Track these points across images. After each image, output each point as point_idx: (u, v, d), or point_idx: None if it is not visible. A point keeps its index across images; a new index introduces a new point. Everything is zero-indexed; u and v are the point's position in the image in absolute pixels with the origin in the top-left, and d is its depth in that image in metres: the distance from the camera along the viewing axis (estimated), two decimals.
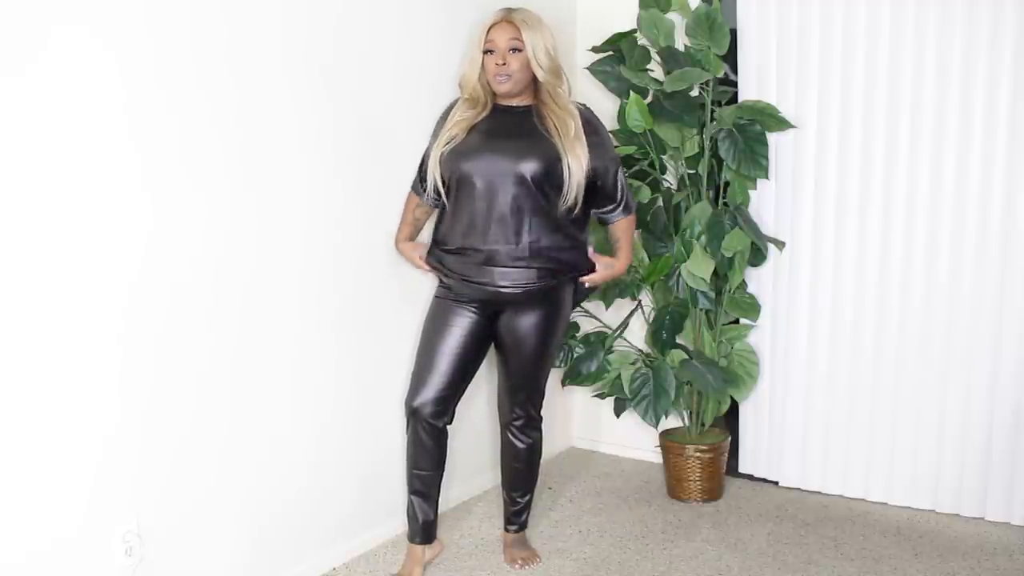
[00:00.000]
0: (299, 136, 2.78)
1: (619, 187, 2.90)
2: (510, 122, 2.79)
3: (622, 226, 2.97)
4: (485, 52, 2.75)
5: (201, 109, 2.48)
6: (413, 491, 2.89)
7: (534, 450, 3.04)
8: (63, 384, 2.24)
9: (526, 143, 2.74)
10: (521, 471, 3.05)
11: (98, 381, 2.31)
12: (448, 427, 2.88)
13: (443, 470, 2.91)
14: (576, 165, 2.73)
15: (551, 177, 2.72)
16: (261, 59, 2.64)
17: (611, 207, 2.92)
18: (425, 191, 2.89)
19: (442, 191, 2.81)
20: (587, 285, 2.94)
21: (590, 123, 2.82)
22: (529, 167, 2.70)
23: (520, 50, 2.72)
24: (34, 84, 2.12)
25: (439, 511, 2.98)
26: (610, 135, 2.94)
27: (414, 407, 2.81)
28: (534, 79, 2.78)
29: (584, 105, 2.88)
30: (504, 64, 2.72)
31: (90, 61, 2.21)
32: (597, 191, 2.87)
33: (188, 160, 2.46)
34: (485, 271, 2.77)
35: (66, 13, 2.16)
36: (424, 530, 2.92)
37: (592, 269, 2.92)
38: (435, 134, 2.88)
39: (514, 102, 2.81)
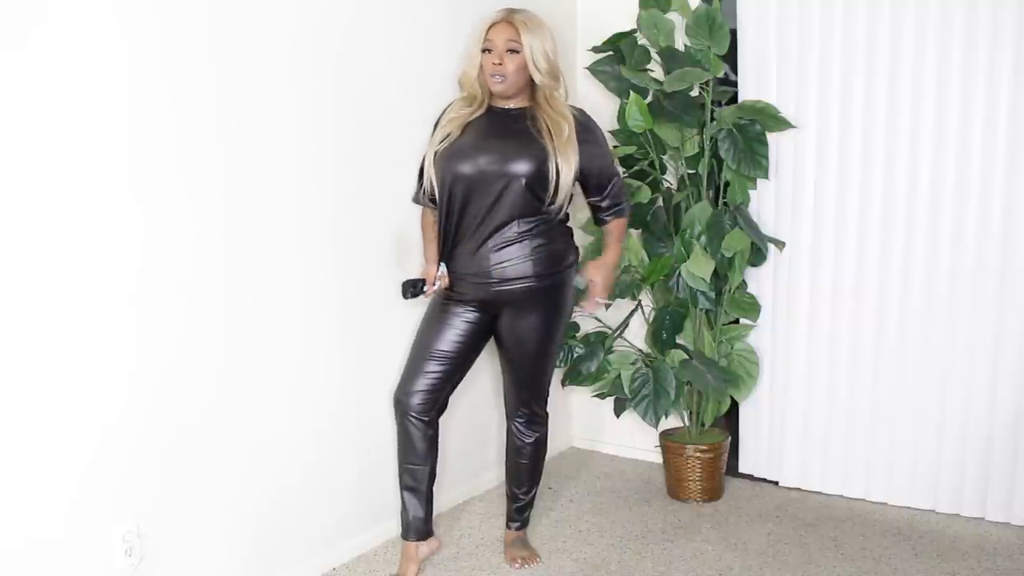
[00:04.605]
0: (301, 135, 2.78)
1: (611, 188, 2.89)
2: (504, 123, 2.79)
3: (613, 226, 2.96)
4: (483, 51, 2.75)
5: (208, 110, 2.48)
6: (404, 486, 2.88)
7: (538, 446, 3.05)
8: (63, 384, 2.24)
9: (518, 144, 2.74)
10: (525, 466, 3.06)
11: (98, 381, 2.32)
12: (438, 420, 2.87)
13: (434, 464, 2.89)
14: (566, 168, 2.73)
15: (541, 178, 2.72)
16: (269, 59, 2.64)
17: (603, 206, 2.91)
18: (424, 193, 2.88)
19: (436, 190, 2.80)
20: (584, 283, 2.91)
21: (585, 126, 2.81)
22: (520, 168, 2.71)
23: (517, 51, 2.72)
24: (41, 84, 2.12)
25: (439, 509, 2.98)
26: (607, 140, 2.93)
27: (397, 399, 2.83)
28: (531, 82, 2.78)
29: (580, 109, 2.87)
30: (500, 64, 2.72)
31: (98, 49, 2.22)
32: (589, 188, 2.88)
33: (190, 159, 2.47)
34: (481, 271, 2.78)
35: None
36: (416, 526, 2.90)
37: (577, 258, 2.92)
38: (432, 136, 2.89)
39: (510, 104, 2.81)
